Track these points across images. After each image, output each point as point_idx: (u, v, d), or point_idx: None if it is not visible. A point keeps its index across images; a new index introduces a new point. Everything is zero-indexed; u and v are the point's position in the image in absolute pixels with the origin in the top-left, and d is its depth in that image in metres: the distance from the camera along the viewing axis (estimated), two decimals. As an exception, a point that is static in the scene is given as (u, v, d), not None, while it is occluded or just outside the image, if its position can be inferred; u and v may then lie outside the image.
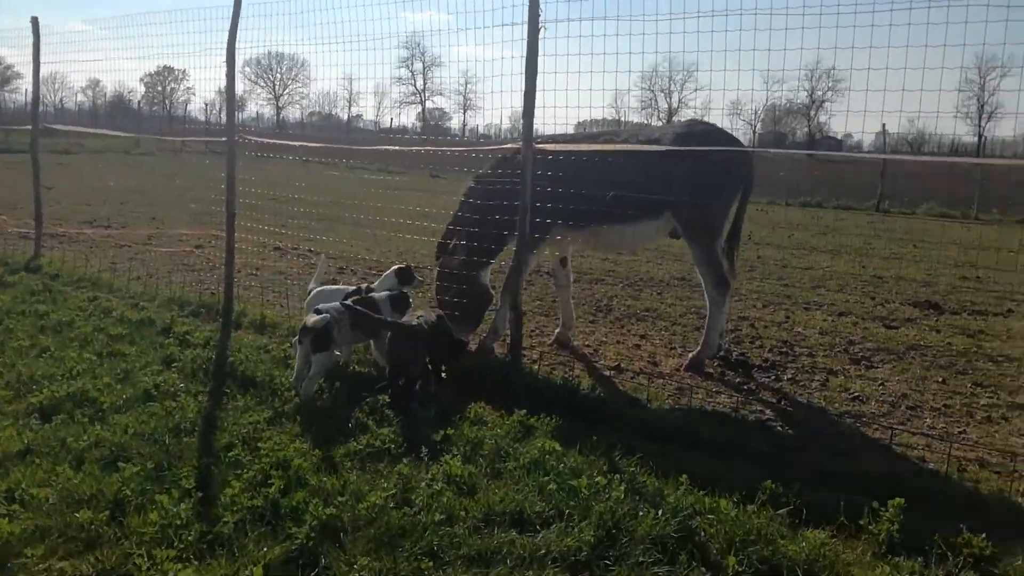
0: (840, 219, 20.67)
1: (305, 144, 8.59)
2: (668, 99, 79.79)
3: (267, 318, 7.62)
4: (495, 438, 4.87)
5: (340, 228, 13.89)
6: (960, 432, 5.55)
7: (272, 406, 5.38)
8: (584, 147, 6.57)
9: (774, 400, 6.07)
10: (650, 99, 76.57)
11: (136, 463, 4.37)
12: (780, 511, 4.11)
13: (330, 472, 4.43)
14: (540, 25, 5.72)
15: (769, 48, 5.46)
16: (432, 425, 5.11)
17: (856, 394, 6.22)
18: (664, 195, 6.56)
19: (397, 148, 8.31)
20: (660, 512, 3.96)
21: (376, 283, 6.78)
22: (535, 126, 6.08)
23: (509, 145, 7.08)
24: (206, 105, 48.06)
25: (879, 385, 6.53)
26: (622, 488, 4.16)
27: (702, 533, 3.84)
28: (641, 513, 3.95)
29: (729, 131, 6.97)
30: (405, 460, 4.59)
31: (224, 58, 7.88)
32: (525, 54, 5.83)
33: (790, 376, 6.69)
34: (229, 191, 8.07)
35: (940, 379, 6.73)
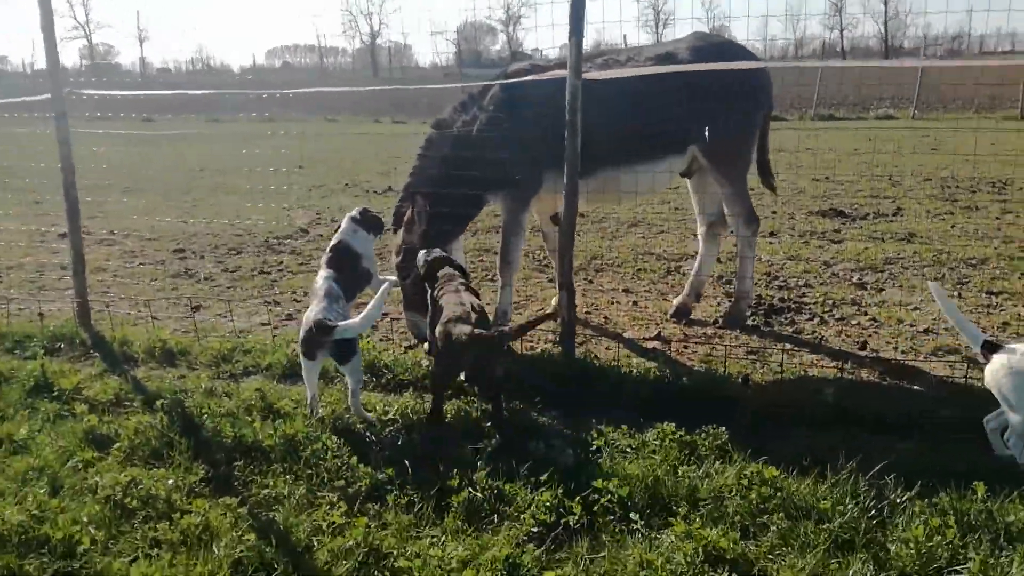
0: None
1: (206, 92, 6.12)
2: (369, 21, 77.06)
3: (168, 343, 5.51)
4: (688, 476, 3.65)
5: (138, 197, 11.12)
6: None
7: (333, 486, 3.67)
8: (632, 71, 5.24)
9: (855, 350, 5.38)
10: (350, 21, 73.49)
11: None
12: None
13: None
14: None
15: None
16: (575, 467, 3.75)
17: (921, 327, 5.72)
18: (690, 125, 5.49)
19: (348, 89, 6.30)
20: (1032, 546, 3.04)
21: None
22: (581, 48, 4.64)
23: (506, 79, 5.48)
24: None
25: (915, 310, 6.11)
26: (951, 521, 3.17)
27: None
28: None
29: (731, 43, 5.97)
30: (612, 535, 3.24)
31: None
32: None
33: (825, 315, 6.06)
34: (66, 169, 5.69)
35: (956, 293, 6.47)
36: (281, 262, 8.05)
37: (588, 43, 5.65)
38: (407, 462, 3.78)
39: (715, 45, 5.67)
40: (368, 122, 28.99)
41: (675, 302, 6.16)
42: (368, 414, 4.29)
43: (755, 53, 6.23)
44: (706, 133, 5.31)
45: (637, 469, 3.69)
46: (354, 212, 4.80)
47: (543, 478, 3.62)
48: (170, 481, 3.68)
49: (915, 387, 4.74)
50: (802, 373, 4.93)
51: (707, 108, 5.45)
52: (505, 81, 5.52)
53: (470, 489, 3.55)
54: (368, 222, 4.80)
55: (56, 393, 4.74)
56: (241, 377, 5.13)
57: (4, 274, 7.82)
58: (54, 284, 7.39)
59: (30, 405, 4.61)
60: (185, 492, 3.67)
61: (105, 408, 4.60)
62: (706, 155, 5.61)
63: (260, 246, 8.76)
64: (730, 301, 6.28)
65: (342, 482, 3.68)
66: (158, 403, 4.38)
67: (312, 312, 4.24)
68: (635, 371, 4.87)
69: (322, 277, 4.45)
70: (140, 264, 8.06)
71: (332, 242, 4.67)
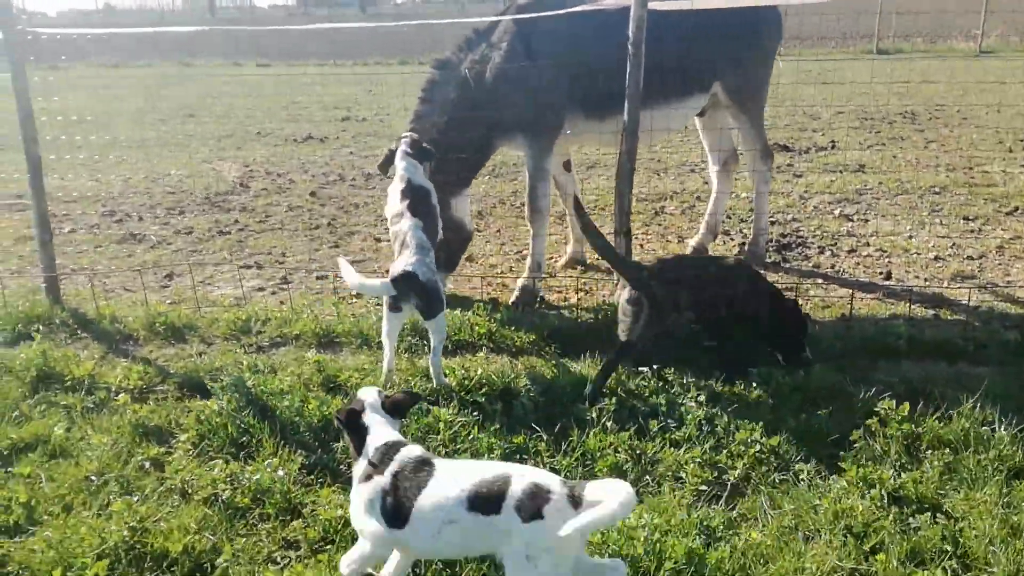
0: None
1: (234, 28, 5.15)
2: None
3: (170, 318, 4.92)
4: (823, 421, 3.59)
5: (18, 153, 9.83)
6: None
7: (458, 463, 3.37)
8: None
9: (882, 281, 5.50)
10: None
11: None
12: None
13: None
14: None
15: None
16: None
17: (931, 255, 5.91)
18: (716, 61, 5.36)
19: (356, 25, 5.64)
20: None
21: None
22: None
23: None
24: None
25: (910, 239, 6.32)
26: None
27: None
28: None
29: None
30: (775, 487, 3.15)
31: None
32: None
33: (834, 248, 6.17)
34: (25, 120, 4.90)
35: (938, 221, 6.74)
36: (236, 220, 7.37)
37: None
38: (535, 426, 3.53)
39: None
40: (227, 65, 27.13)
41: (692, 243, 6.08)
42: (445, 379, 3.98)
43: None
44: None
45: (764, 417, 3.61)
46: (403, 146, 4.32)
47: (680, 434, 3.48)
48: (280, 472, 3.25)
49: (958, 314, 4.88)
50: (849, 306, 4.96)
51: (734, 44, 5.34)
52: (519, 16, 5.14)
53: (615, 452, 3.36)
54: (421, 152, 4.36)
55: (70, 383, 4.11)
56: (270, 349, 4.64)
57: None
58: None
59: (44, 400, 3.98)
60: (292, 482, 3.27)
61: (137, 396, 4.04)
62: (730, 92, 5.50)
63: (202, 204, 7.98)
64: (744, 239, 6.29)
65: (467, 455, 3.39)
66: (216, 385, 3.88)
67: (402, 262, 3.85)
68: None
69: (408, 226, 4.00)
70: (72, 231, 7.16)
71: (400, 185, 4.18)
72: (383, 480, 2.43)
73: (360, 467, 2.53)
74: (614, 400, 3.69)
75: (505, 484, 2.23)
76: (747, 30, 5.39)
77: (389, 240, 4.25)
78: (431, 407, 3.65)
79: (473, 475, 2.31)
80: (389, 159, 4.39)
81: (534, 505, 2.17)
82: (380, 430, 2.56)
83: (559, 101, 5.14)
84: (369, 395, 2.66)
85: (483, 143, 5.25)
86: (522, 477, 2.25)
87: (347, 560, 2.56)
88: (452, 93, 5.12)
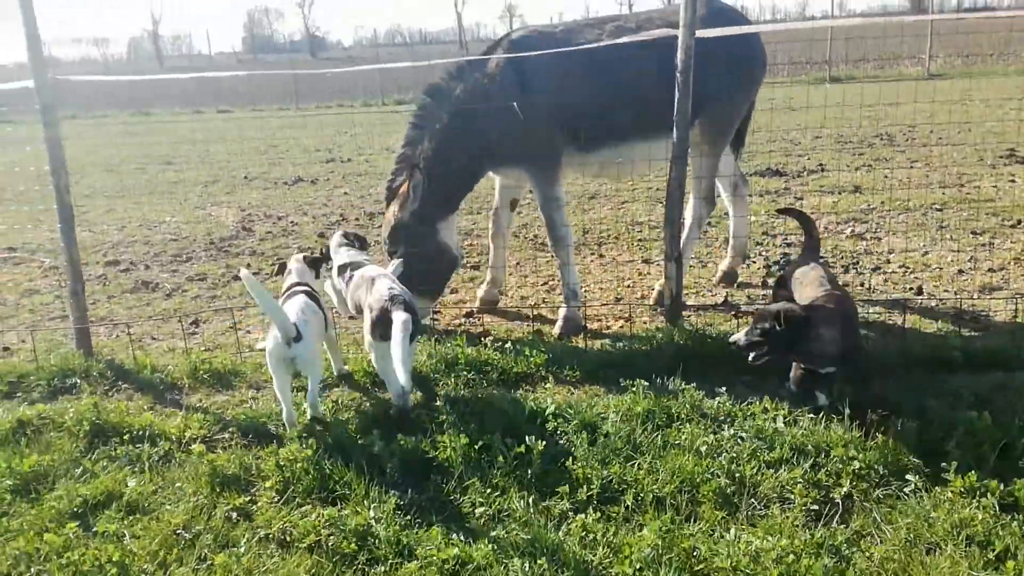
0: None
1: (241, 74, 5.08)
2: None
3: (214, 365, 4.79)
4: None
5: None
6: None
7: (557, 492, 3.31)
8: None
9: (914, 296, 5.59)
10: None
11: None
12: None
13: None
14: None
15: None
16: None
17: (953, 269, 6.04)
18: (704, 93, 5.34)
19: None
20: None
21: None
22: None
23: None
24: None
25: (926, 255, 6.45)
26: None
27: None
28: None
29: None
30: (879, 502, 3.15)
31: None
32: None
33: (857, 267, 6.27)
34: (57, 169, 4.78)
35: (948, 237, 6.89)
36: (249, 265, 7.24)
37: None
38: (630, 454, 3.50)
39: (717, 11, 5.52)
40: (187, 113, 26.93)
41: (722, 267, 6.12)
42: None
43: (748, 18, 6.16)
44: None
45: (849, 433, 3.62)
46: (337, 237, 4.94)
47: (773, 456, 3.47)
48: (382, 514, 3.17)
49: (999, 325, 4.97)
50: (903, 319, 5.02)
51: (721, 76, 5.32)
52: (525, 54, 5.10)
53: (715, 476, 3.34)
54: (357, 239, 4.96)
55: (128, 436, 3.96)
56: (323, 391, 4.53)
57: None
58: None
59: (105, 454, 3.82)
60: (388, 524, 3.18)
61: (194, 444, 3.90)
62: (706, 124, 5.42)
63: (208, 250, 7.83)
64: (766, 262, 6.35)
65: (566, 487, 3.33)
66: (292, 430, 3.78)
67: (382, 290, 4.12)
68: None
69: (373, 273, 4.39)
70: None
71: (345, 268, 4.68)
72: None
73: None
74: (702, 425, 3.68)
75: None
76: (738, 61, 5.41)
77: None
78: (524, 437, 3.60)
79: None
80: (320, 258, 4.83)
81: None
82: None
83: (553, 133, 5.16)
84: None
85: (470, 171, 5.26)
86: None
87: None
88: (442, 120, 5.12)
